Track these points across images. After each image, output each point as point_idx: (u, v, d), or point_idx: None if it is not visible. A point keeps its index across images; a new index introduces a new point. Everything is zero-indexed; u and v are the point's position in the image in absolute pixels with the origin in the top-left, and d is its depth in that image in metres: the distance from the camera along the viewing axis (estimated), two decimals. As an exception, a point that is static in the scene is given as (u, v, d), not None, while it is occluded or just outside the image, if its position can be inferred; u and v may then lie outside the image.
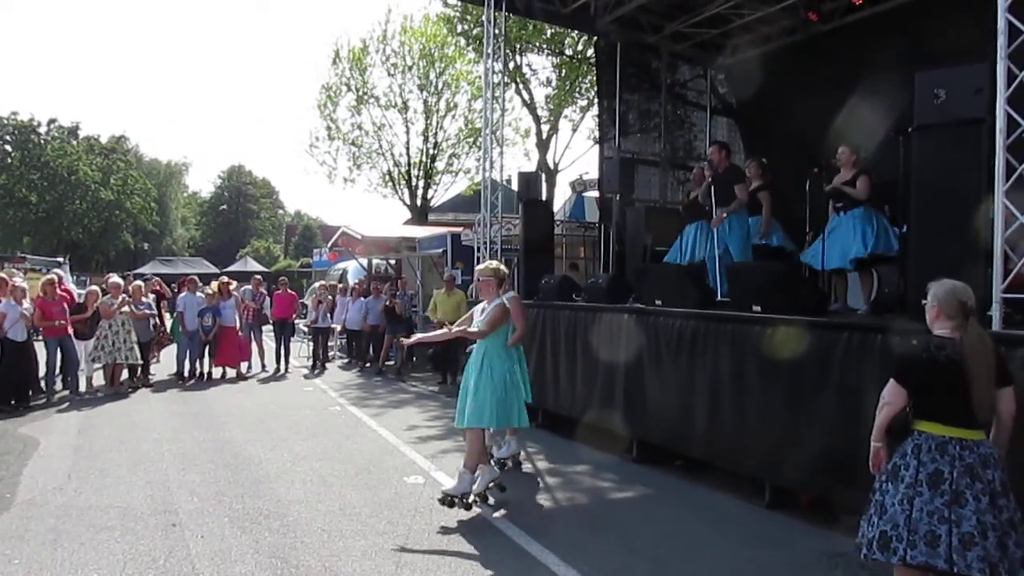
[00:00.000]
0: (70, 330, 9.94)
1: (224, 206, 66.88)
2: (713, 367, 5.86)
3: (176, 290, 14.32)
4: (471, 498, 5.21)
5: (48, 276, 10.54)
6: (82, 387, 10.24)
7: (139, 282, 11.98)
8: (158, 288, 13.09)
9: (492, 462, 5.89)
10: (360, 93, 24.19)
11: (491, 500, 5.42)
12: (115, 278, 11.22)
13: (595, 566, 4.27)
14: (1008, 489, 3.10)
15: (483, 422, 5.24)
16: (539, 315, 8.27)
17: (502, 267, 5.68)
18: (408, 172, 24.65)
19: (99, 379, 10.71)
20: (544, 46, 19.67)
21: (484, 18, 10.51)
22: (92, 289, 11.21)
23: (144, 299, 11.31)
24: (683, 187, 11.49)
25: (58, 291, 9.98)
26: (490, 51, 10.34)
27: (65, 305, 9.96)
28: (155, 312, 11.71)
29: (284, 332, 13.27)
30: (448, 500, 5.17)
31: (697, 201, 8.20)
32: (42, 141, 46.45)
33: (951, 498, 3.06)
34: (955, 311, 3.24)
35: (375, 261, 19.83)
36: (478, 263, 10.43)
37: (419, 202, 24.89)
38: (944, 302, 3.28)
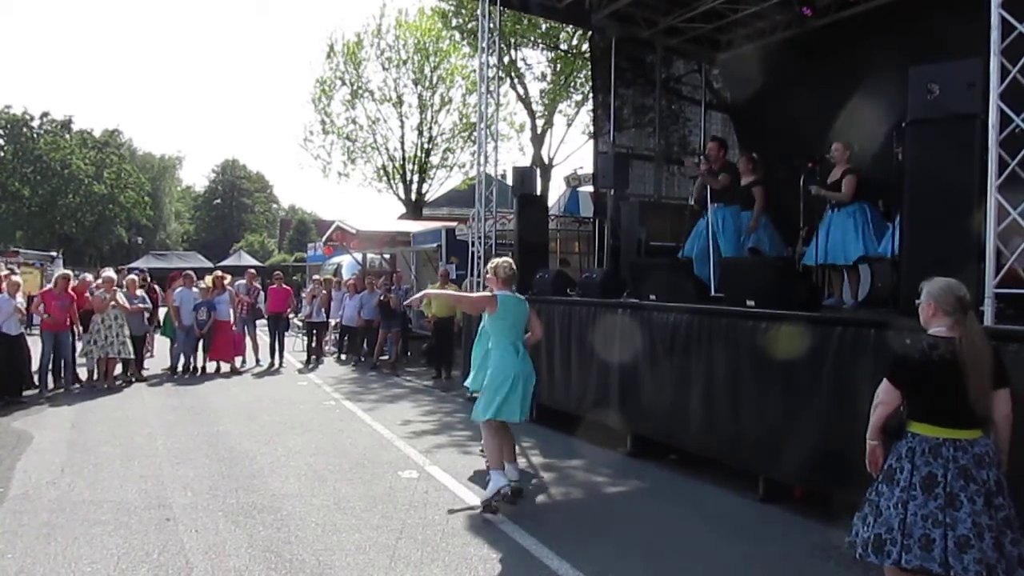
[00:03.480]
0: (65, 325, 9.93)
1: (218, 200, 66.69)
2: (707, 362, 5.88)
3: (168, 284, 14.27)
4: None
5: (63, 271, 10.60)
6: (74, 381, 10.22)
7: (133, 276, 11.95)
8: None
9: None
10: (354, 87, 24.10)
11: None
12: (108, 272, 11.17)
13: (589, 560, 4.28)
14: (1004, 487, 3.08)
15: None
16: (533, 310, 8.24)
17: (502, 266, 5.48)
18: (403, 167, 24.58)
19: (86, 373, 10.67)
20: (539, 40, 19.65)
21: (479, 12, 10.47)
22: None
23: (138, 292, 11.28)
24: (678, 180, 11.52)
25: (69, 288, 10.02)
26: (485, 45, 10.30)
27: (68, 301, 9.94)
28: (150, 305, 11.68)
29: (279, 327, 13.26)
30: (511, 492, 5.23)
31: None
32: (35, 135, 46.17)
33: (945, 501, 3.04)
34: (952, 306, 3.21)
35: (370, 256, 19.79)
36: (472, 258, 10.46)
37: (414, 197, 24.82)
38: (940, 298, 3.25)
